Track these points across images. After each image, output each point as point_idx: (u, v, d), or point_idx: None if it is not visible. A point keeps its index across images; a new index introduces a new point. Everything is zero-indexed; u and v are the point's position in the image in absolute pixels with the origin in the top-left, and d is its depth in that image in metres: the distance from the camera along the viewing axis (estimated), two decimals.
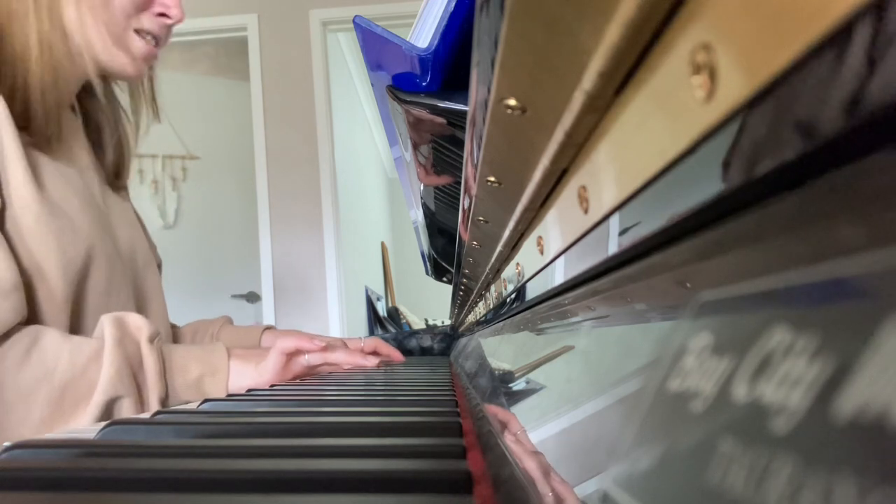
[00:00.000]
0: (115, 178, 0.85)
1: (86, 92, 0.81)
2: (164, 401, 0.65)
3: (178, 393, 0.66)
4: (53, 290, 0.65)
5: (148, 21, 0.75)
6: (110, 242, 0.75)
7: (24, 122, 0.67)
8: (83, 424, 0.58)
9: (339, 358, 0.79)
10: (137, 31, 0.75)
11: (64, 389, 0.59)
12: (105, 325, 0.62)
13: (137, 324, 0.64)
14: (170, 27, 0.78)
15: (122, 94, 0.86)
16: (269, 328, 0.94)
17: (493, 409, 0.34)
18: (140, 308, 0.80)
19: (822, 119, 0.09)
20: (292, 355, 0.74)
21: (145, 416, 0.37)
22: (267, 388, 0.57)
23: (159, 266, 0.93)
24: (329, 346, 0.79)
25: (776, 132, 0.11)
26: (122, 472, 0.23)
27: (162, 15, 0.76)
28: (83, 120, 0.82)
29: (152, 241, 0.93)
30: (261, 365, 0.71)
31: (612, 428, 0.17)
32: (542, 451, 0.22)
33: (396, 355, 0.97)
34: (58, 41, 0.69)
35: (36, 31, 0.68)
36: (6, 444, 0.27)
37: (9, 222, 0.63)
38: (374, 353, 0.94)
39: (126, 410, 0.61)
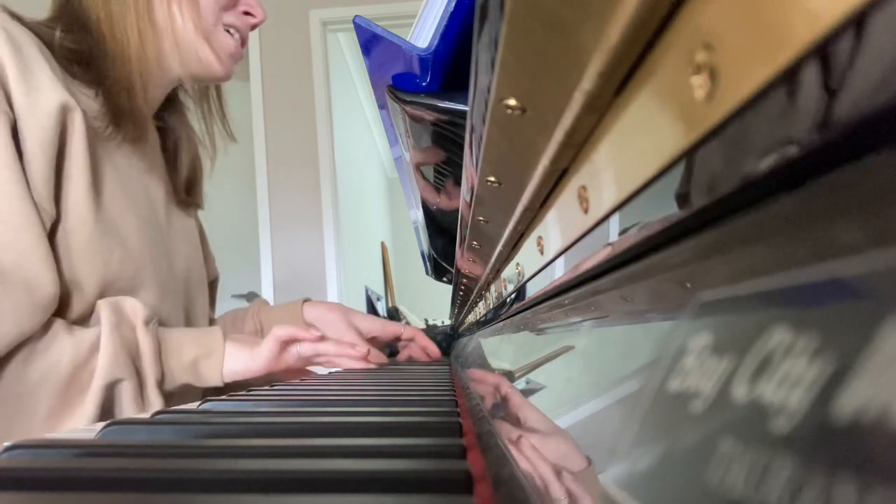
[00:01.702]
0: (187, 195, 0.85)
1: (165, 107, 0.82)
2: (161, 383, 0.65)
3: (174, 375, 0.67)
4: (87, 304, 0.65)
5: (234, 18, 0.77)
6: (165, 264, 0.75)
7: (121, 115, 0.69)
8: (87, 410, 0.59)
9: (330, 350, 0.79)
10: (225, 29, 0.76)
11: (69, 380, 0.60)
12: (102, 311, 0.63)
13: (133, 308, 0.65)
14: (253, 26, 0.79)
15: (193, 119, 0.88)
16: (307, 301, 0.94)
17: (477, 374, 0.34)
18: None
19: (823, 119, 0.09)
20: (287, 343, 0.75)
21: (145, 416, 0.37)
22: (267, 388, 0.57)
23: (215, 280, 0.94)
24: (324, 338, 0.79)
25: (776, 132, 0.11)
26: (122, 472, 0.22)
27: (247, 14, 0.78)
28: (160, 136, 0.83)
29: (212, 254, 0.94)
30: (255, 350, 0.72)
31: (611, 428, 0.17)
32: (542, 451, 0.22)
33: (433, 350, 0.97)
34: (153, 38, 0.71)
35: (136, 29, 0.69)
36: (6, 444, 0.27)
37: (60, 235, 0.63)
38: (412, 340, 0.94)
39: (126, 393, 0.62)
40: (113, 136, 0.69)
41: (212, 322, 0.93)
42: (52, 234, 0.62)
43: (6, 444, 0.27)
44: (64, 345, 0.60)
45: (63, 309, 0.63)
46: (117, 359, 0.61)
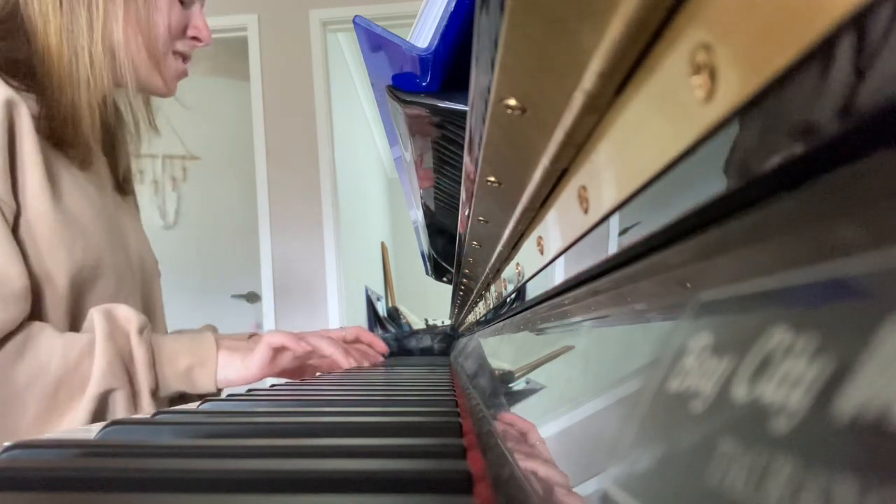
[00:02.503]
0: (125, 182, 0.86)
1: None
2: (155, 391, 0.66)
3: (169, 383, 0.67)
4: (60, 297, 0.66)
5: (182, 44, 0.79)
6: (122, 254, 0.76)
7: (65, 143, 0.68)
8: (78, 417, 0.59)
9: (325, 349, 0.79)
10: (174, 53, 0.78)
11: (58, 384, 0.60)
12: (95, 319, 0.63)
13: (127, 316, 0.65)
14: (195, 48, 0.82)
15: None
16: (253, 335, 0.94)
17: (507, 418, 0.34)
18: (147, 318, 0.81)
19: (823, 119, 0.09)
20: (279, 350, 0.75)
21: (145, 416, 0.37)
22: (267, 388, 0.57)
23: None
24: (309, 340, 0.79)
25: (776, 132, 0.11)
26: (122, 472, 0.22)
27: (195, 38, 0.80)
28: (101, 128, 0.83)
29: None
30: (248, 358, 0.72)
31: (611, 428, 0.17)
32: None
33: (379, 345, 0.98)
34: (106, 62, 0.70)
35: (88, 53, 0.68)
36: (6, 444, 0.27)
37: (23, 227, 0.63)
38: (357, 340, 0.95)
39: (119, 402, 0.62)
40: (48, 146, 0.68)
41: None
42: (14, 228, 0.62)
43: (6, 444, 0.27)
44: (53, 348, 0.60)
45: (38, 304, 0.63)
46: (112, 368, 0.61)
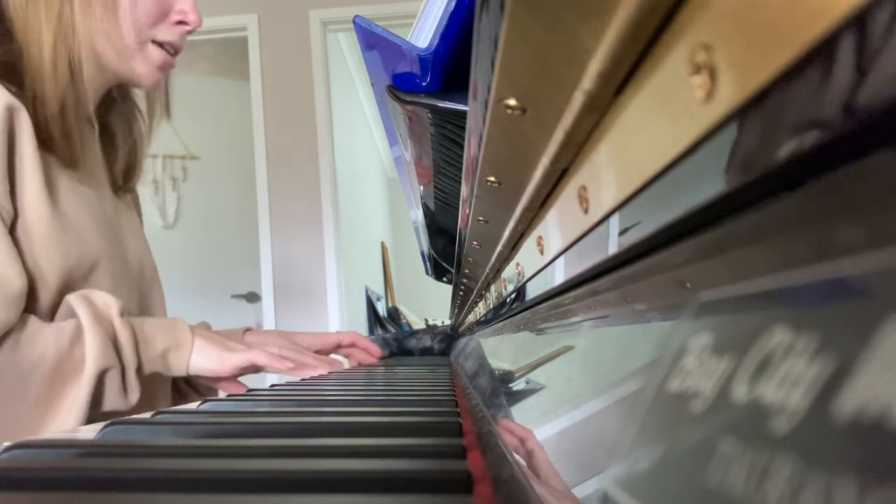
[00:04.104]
0: (125, 181, 0.85)
1: (102, 102, 0.81)
2: (139, 370, 0.68)
3: (146, 365, 0.70)
4: (50, 293, 0.67)
5: (166, 32, 0.74)
6: (118, 260, 0.76)
7: (49, 140, 0.68)
8: (80, 395, 0.62)
9: (309, 366, 0.82)
10: (155, 42, 0.74)
11: (55, 369, 0.62)
12: (75, 305, 0.65)
13: (105, 300, 0.67)
14: (188, 33, 0.77)
15: (138, 95, 0.86)
16: (248, 330, 0.95)
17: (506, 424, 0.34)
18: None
19: (822, 119, 0.09)
20: (258, 368, 0.78)
21: (145, 415, 0.37)
22: (267, 388, 0.57)
23: None
24: (294, 358, 0.81)
25: (776, 132, 0.11)
26: (122, 472, 0.23)
27: (180, 23, 0.74)
28: (100, 132, 0.82)
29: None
30: (224, 356, 0.74)
31: (611, 428, 0.17)
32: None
33: (375, 351, 0.99)
34: (72, 54, 0.68)
35: (50, 46, 0.67)
36: (6, 444, 0.27)
37: (19, 229, 0.64)
38: (353, 345, 0.96)
39: (112, 380, 0.65)
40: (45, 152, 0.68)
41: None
42: (11, 230, 0.64)
43: (6, 444, 0.27)
44: (47, 337, 0.63)
45: (31, 300, 0.65)
46: (105, 349, 0.64)
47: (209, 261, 3.28)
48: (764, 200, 0.12)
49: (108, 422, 0.34)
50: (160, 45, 0.74)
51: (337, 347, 0.98)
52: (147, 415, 0.38)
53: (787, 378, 0.09)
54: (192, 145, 3.30)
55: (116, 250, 0.76)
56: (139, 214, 0.92)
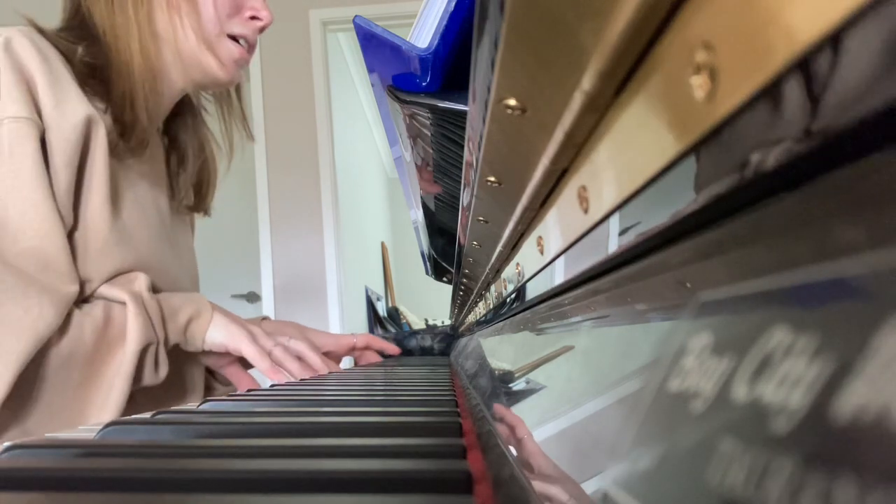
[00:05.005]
0: (197, 201, 0.89)
1: (173, 116, 0.84)
2: (166, 343, 0.71)
3: (171, 336, 0.72)
4: (92, 291, 0.70)
5: (240, 26, 0.77)
6: (169, 278, 0.79)
7: (125, 130, 0.71)
8: (122, 374, 0.65)
9: (294, 373, 0.83)
10: (230, 36, 0.76)
11: (94, 349, 0.65)
12: (114, 288, 0.68)
13: (132, 276, 0.70)
14: (261, 29, 0.79)
15: (211, 120, 0.88)
16: (265, 318, 0.97)
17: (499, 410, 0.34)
18: None
19: (823, 119, 0.09)
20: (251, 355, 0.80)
21: (145, 415, 0.37)
22: (267, 388, 0.57)
23: None
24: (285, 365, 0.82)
25: (776, 132, 0.11)
26: (122, 472, 0.22)
27: (253, 18, 0.77)
28: (169, 145, 0.85)
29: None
30: (238, 337, 0.77)
31: (611, 428, 0.17)
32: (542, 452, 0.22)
33: (390, 348, 1.00)
34: (155, 49, 0.72)
35: (137, 40, 0.70)
36: (6, 444, 0.27)
37: (77, 238, 0.67)
38: (367, 347, 0.97)
39: (150, 355, 0.68)
40: (122, 148, 0.71)
41: None
42: (69, 236, 0.66)
43: (6, 444, 0.27)
44: (84, 322, 0.65)
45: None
46: (146, 326, 0.67)
47: (209, 261, 3.27)
48: (764, 200, 0.12)
49: (108, 422, 0.34)
50: (235, 39, 0.77)
51: (351, 350, 0.99)
52: (147, 415, 0.38)
53: (787, 378, 0.09)
54: None
55: (168, 268, 0.79)
56: (193, 232, 0.95)
